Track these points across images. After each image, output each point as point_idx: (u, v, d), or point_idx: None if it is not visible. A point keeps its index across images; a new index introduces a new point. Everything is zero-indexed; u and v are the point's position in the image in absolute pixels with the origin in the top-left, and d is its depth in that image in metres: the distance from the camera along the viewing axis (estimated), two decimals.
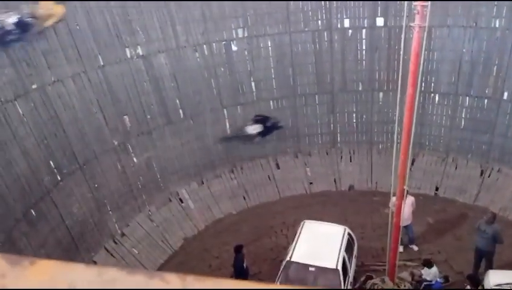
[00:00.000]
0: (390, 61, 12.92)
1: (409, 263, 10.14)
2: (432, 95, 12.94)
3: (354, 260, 9.52)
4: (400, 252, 9.52)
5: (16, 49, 8.52)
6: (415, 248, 10.71)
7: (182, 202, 12.33)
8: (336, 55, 13.08)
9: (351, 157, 13.84)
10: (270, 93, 13.31)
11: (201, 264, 10.68)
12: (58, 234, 9.20)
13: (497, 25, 11.59)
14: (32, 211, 8.63)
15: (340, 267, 8.51)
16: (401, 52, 8.85)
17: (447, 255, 10.44)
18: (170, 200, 12.16)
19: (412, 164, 12.55)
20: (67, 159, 9.62)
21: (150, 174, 11.76)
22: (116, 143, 10.84)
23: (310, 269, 8.50)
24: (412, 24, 7.25)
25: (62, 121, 9.46)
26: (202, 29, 11.95)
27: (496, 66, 11.94)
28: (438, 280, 9.20)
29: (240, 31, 12.49)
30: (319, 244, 9.12)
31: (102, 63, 10.34)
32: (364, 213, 12.01)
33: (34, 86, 8.92)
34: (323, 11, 12.72)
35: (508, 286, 8.16)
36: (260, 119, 12.72)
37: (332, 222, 10.02)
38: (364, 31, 12.92)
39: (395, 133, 10.63)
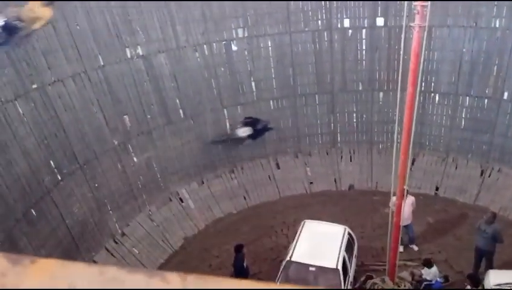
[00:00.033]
0: (390, 61, 12.93)
1: (409, 263, 10.14)
2: (432, 94, 12.94)
3: (354, 260, 9.52)
4: (400, 252, 9.52)
5: (16, 49, 8.52)
6: (415, 247, 10.71)
7: (182, 201, 12.33)
8: (336, 55, 13.09)
9: (351, 157, 13.85)
10: (270, 93, 13.31)
11: (201, 263, 10.68)
12: (58, 233, 9.21)
13: (497, 25, 11.59)
14: (32, 211, 8.63)
15: (340, 267, 8.50)
16: (401, 52, 8.86)
17: (447, 254, 10.44)
18: (170, 200, 12.17)
19: (412, 163, 12.55)
20: (67, 159, 9.62)
21: (150, 174, 11.77)
22: (116, 143, 10.85)
23: (310, 268, 8.50)
24: (412, 24, 7.26)
25: (62, 121, 9.46)
26: (202, 29, 11.95)
27: (496, 66, 11.95)
28: (438, 279, 9.20)
29: (240, 31, 12.50)
30: (319, 244, 9.12)
31: (102, 63, 10.34)
32: (365, 213, 12.01)
33: (34, 86, 8.92)
34: (323, 11, 12.72)
35: (508, 285, 8.16)
36: (250, 122, 12.62)
37: (332, 222, 10.03)
38: (364, 31, 12.92)
39: (395, 132, 10.63)
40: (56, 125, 9.34)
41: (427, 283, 9.21)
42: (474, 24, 11.75)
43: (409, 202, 9.84)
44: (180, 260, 10.98)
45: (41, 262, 0.73)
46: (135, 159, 11.36)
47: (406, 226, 10.12)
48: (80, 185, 9.88)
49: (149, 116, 11.51)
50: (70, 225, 9.53)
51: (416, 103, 7.46)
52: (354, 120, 13.85)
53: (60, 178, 9.42)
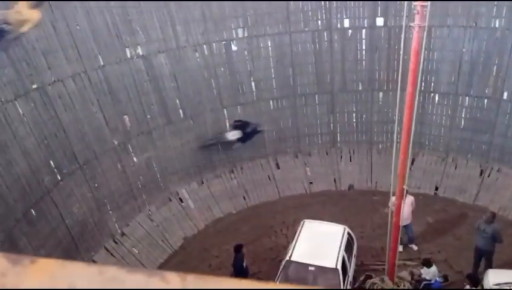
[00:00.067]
0: (390, 61, 12.93)
1: (408, 263, 10.15)
2: (432, 94, 12.94)
3: (353, 260, 9.52)
4: (400, 252, 9.53)
5: (16, 49, 8.52)
6: (415, 247, 10.72)
7: (182, 201, 12.33)
8: (336, 55, 13.09)
9: (350, 157, 13.85)
10: (270, 93, 13.31)
11: (201, 263, 10.68)
12: (58, 233, 9.20)
13: (497, 25, 11.59)
14: (32, 211, 8.63)
15: (339, 267, 8.51)
16: (401, 52, 8.86)
17: (447, 254, 10.45)
18: (170, 200, 12.17)
19: (412, 163, 12.56)
20: (67, 159, 9.62)
21: (150, 174, 11.77)
22: (116, 143, 10.85)
23: (310, 268, 8.50)
24: (411, 24, 7.26)
25: (62, 121, 9.46)
26: (202, 29, 11.95)
27: (495, 66, 11.95)
28: (438, 279, 9.21)
29: (240, 31, 12.50)
30: (319, 243, 9.12)
31: (102, 63, 10.34)
32: (364, 213, 12.02)
33: (34, 86, 8.91)
34: (323, 11, 12.72)
35: (508, 285, 8.16)
36: (239, 125, 12.54)
37: (332, 222, 10.03)
38: (364, 31, 12.93)
39: (395, 132, 10.65)
40: (56, 125, 9.34)
41: (427, 282, 9.22)
42: (474, 24, 11.75)
43: (409, 201, 9.85)
44: (180, 260, 10.98)
45: (41, 262, 0.74)
46: (135, 159, 11.36)
47: (405, 226, 10.12)
48: (79, 185, 9.88)
49: (149, 116, 11.51)
50: (70, 225, 9.53)
51: (416, 103, 7.46)
52: (354, 120, 13.85)
53: (59, 178, 9.42)
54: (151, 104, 11.54)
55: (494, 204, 11.83)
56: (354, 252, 9.73)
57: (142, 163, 11.52)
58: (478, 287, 8.53)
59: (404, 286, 9.38)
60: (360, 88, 13.52)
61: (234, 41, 12.56)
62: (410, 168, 10.49)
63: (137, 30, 10.95)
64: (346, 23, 12.85)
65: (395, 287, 9.30)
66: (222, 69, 12.59)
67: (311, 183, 13.49)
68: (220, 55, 12.44)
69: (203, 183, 12.78)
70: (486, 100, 12.26)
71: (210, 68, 12.35)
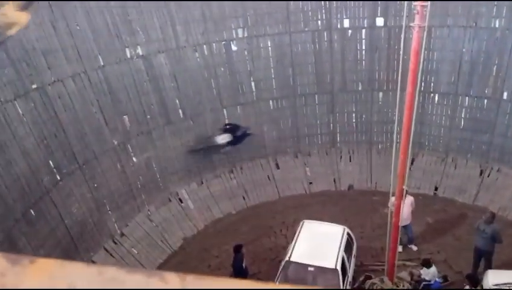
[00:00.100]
0: (390, 61, 12.93)
1: (408, 263, 10.15)
2: (432, 94, 12.95)
3: (353, 260, 9.52)
4: (399, 252, 9.53)
5: (16, 49, 8.52)
6: (414, 247, 10.72)
7: (181, 202, 12.33)
8: (336, 55, 13.09)
9: (350, 157, 13.85)
10: (270, 93, 13.31)
11: (200, 264, 10.68)
12: (57, 234, 9.20)
13: (497, 25, 11.60)
14: (31, 211, 8.62)
15: (339, 267, 8.51)
16: (401, 52, 8.86)
17: (446, 255, 10.45)
18: (170, 200, 12.16)
19: (412, 163, 12.56)
20: (66, 159, 9.61)
21: (150, 174, 11.76)
22: (116, 143, 10.84)
23: (309, 268, 8.50)
24: (411, 24, 7.26)
25: (62, 121, 9.45)
26: (202, 29, 11.95)
27: (495, 66, 11.95)
28: (437, 279, 9.21)
29: (240, 31, 12.50)
30: (318, 244, 9.12)
31: (102, 63, 10.34)
32: (364, 213, 12.02)
33: (34, 86, 8.91)
34: (323, 11, 12.73)
35: (507, 285, 8.16)
36: (229, 128, 12.44)
37: (331, 222, 10.03)
38: (364, 31, 12.93)
39: (395, 133, 10.65)
40: (56, 125, 9.34)
41: (426, 283, 9.22)
42: (474, 24, 11.75)
43: (408, 202, 9.85)
44: (179, 261, 10.97)
45: (40, 262, 0.74)
46: (135, 159, 11.36)
47: (405, 226, 10.12)
48: (79, 185, 9.87)
49: (149, 117, 11.51)
50: (69, 225, 9.52)
51: (416, 103, 7.46)
52: (354, 120, 13.85)
53: (59, 178, 9.41)
54: (151, 104, 11.54)
55: (494, 204, 11.83)
56: (354, 252, 9.73)
57: (142, 163, 11.51)
58: (478, 288, 8.53)
59: (403, 286, 9.38)
60: (360, 88, 13.53)
61: (234, 41, 12.56)
62: (409, 169, 10.48)
63: (137, 30, 10.95)
64: (346, 23, 12.85)
65: (395, 288, 9.30)
66: (222, 69, 12.59)
67: (310, 183, 13.49)
68: (220, 55, 12.44)
69: (202, 183, 12.78)
70: (486, 100, 12.26)
71: (210, 68, 12.35)
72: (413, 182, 12.28)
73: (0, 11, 7.18)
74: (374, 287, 9.35)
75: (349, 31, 12.96)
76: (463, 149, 12.92)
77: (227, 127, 12.50)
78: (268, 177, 13.43)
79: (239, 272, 9.21)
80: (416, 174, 12.86)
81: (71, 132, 9.68)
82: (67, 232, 9.46)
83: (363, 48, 13.13)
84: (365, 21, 12.78)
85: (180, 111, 12.20)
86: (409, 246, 10.71)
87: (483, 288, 8.47)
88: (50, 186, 9.14)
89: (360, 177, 13.52)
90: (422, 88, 11.99)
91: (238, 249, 9.36)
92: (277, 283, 8.17)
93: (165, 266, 10.79)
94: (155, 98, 11.59)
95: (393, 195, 8.59)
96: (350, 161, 13.82)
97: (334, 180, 13.54)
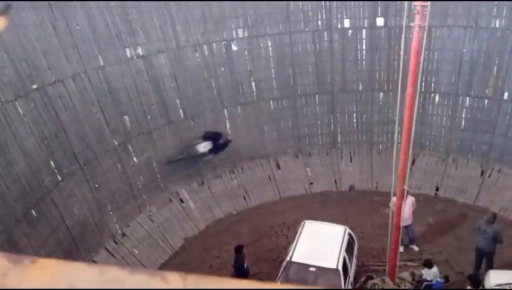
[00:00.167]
0: (390, 62, 12.93)
1: (409, 263, 10.14)
2: (432, 95, 12.94)
3: (354, 260, 9.52)
4: (400, 252, 9.52)
5: (16, 49, 8.53)
6: (416, 248, 10.71)
7: (182, 202, 12.33)
8: (336, 55, 13.09)
9: (351, 157, 13.85)
10: (270, 93, 13.31)
11: (201, 264, 10.68)
12: (58, 234, 9.20)
13: (497, 25, 11.59)
14: (32, 211, 8.63)
15: (340, 268, 8.50)
16: (401, 52, 8.87)
17: (448, 255, 10.44)
18: (171, 201, 12.17)
19: (412, 164, 12.55)
20: (67, 160, 9.62)
21: (151, 174, 11.77)
22: (116, 143, 10.85)
23: (310, 269, 8.50)
24: (411, 24, 7.25)
25: (62, 122, 9.46)
26: (202, 29, 11.95)
27: (496, 66, 11.95)
28: (439, 280, 9.20)
29: (240, 31, 12.50)
30: (320, 244, 9.12)
31: (102, 63, 10.35)
32: (365, 213, 12.01)
33: (34, 86, 8.92)
34: (323, 11, 12.73)
35: (508, 286, 8.16)
36: (210, 136, 12.19)
37: (332, 222, 10.02)
38: (364, 31, 12.93)
39: (396, 133, 10.62)
40: (56, 125, 9.34)
41: (428, 283, 9.21)
42: (474, 24, 11.75)
43: (409, 202, 9.84)
44: (181, 261, 10.97)
45: (41, 262, 0.73)
46: (135, 159, 11.37)
47: (406, 227, 10.11)
48: (80, 185, 9.88)
49: (149, 117, 11.51)
50: (71, 225, 9.52)
51: (416, 103, 7.45)
52: (354, 120, 13.85)
53: (60, 178, 9.42)
54: (152, 104, 11.55)
55: (495, 204, 11.82)
56: (355, 252, 9.72)
57: (143, 163, 11.52)
58: (479, 288, 8.52)
59: (405, 286, 9.38)
60: (361, 88, 13.52)
61: (234, 42, 12.57)
62: (410, 169, 10.47)
63: (137, 30, 10.96)
64: (346, 23, 12.85)
65: (396, 288, 9.30)
66: (222, 69, 12.60)
67: (311, 183, 13.49)
68: (220, 55, 12.44)
69: (203, 183, 12.78)
70: (486, 100, 12.26)
71: (210, 68, 12.35)
72: (414, 183, 12.27)
73: None
74: (376, 288, 9.34)
75: (350, 31, 12.96)
76: (464, 149, 12.91)
77: (208, 135, 12.21)
78: (269, 178, 13.43)
79: (240, 273, 9.22)
80: (417, 174, 12.85)
81: (72, 132, 9.68)
82: (69, 233, 9.46)
83: (364, 48, 13.13)
84: (365, 21, 12.78)
85: (181, 111, 12.21)
86: (410, 246, 10.70)
87: (485, 288, 8.46)
88: (51, 187, 9.15)
89: (361, 177, 13.52)
90: (422, 88, 12.00)
91: (239, 249, 9.37)
92: (278, 283, 8.17)
93: (166, 266, 10.79)
94: (155, 98, 11.60)
95: (394, 195, 8.59)
96: (351, 161, 13.82)
97: (335, 181, 13.54)
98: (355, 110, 13.74)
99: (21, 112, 8.61)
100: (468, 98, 12.51)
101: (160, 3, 11.12)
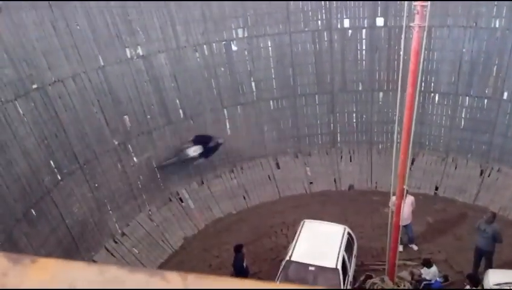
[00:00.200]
0: (390, 61, 12.93)
1: (408, 263, 10.14)
2: (432, 94, 12.94)
3: (353, 260, 9.52)
4: (400, 252, 9.52)
5: (16, 49, 8.53)
6: (415, 247, 10.72)
7: (182, 201, 12.33)
8: (336, 55, 13.09)
9: (351, 157, 13.85)
10: (270, 93, 13.31)
11: (201, 263, 10.68)
12: (58, 233, 9.21)
13: (497, 25, 11.59)
14: (32, 211, 8.63)
15: (339, 267, 8.51)
16: (401, 52, 8.87)
17: (447, 254, 10.45)
18: (170, 200, 12.17)
19: (412, 163, 12.56)
20: (67, 159, 9.62)
21: (150, 174, 11.76)
22: (116, 143, 10.85)
23: (310, 268, 8.50)
24: (411, 24, 7.25)
25: (62, 121, 9.46)
26: (202, 29, 11.95)
27: (495, 66, 11.95)
28: (438, 279, 9.21)
29: (240, 31, 12.50)
30: (319, 243, 9.12)
31: (102, 63, 10.35)
32: (364, 213, 12.01)
33: (34, 86, 8.92)
34: (323, 11, 12.73)
35: (508, 285, 8.16)
36: (200, 140, 11.98)
37: (332, 222, 10.03)
38: (364, 31, 12.92)
39: (395, 132, 10.64)
40: (56, 125, 9.34)
41: (427, 282, 9.22)
42: (474, 24, 11.75)
43: (409, 201, 9.85)
44: (180, 260, 10.98)
45: (41, 262, 0.74)
46: (135, 159, 11.37)
47: (405, 226, 10.12)
48: (79, 185, 9.88)
49: (149, 117, 11.51)
50: (70, 224, 9.53)
51: (416, 103, 7.45)
52: (354, 120, 13.85)
53: (60, 178, 9.42)
54: (151, 104, 11.55)
55: (494, 204, 11.83)
56: (354, 252, 9.72)
57: (142, 163, 11.52)
58: (478, 287, 8.52)
59: (404, 286, 9.38)
60: (360, 88, 13.52)
61: (234, 42, 12.56)
62: (410, 168, 10.48)
63: (137, 30, 10.95)
64: (346, 23, 12.85)
65: (395, 287, 9.30)
66: (222, 69, 12.59)
67: (311, 183, 13.49)
68: (220, 55, 12.44)
69: (203, 183, 12.78)
70: (486, 100, 12.26)
71: (210, 68, 12.35)
72: (413, 182, 12.28)
73: None
74: (375, 287, 9.35)
75: (349, 31, 12.96)
76: (463, 149, 12.92)
77: (198, 138, 12.04)
78: (269, 177, 13.43)
79: (240, 272, 9.22)
80: (417, 174, 12.86)
81: (72, 132, 9.68)
82: (68, 232, 9.47)
83: (363, 48, 13.13)
84: (365, 21, 12.78)
85: (181, 111, 12.21)
86: (410, 245, 10.71)
87: (484, 288, 8.46)
88: (51, 186, 9.15)
89: (361, 177, 13.52)
90: (422, 88, 11.99)
91: (238, 248, 9.37)
92: (278, 282, 8.16)
93: (166, 265, 10.80)
94: (155, 98, 11.60)
95: (393, 195, 8.60)
96: (350, 161, 13.82)
97: (335, 180, 13.54)
98: (355, 110, 13.74)
99: (21, 111, 8.60)
100: (467, 98, 12.52)
101: (160, 3, 11.11)
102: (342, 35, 12.97)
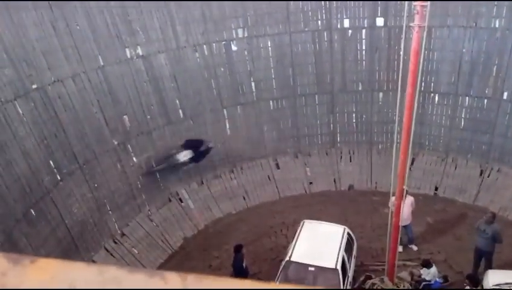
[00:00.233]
0: (390, 62, 12.94)
1: (408, 263, 10.14)
2: (432, 95, 12.95)
3: (353, 260, 9.52)
4: (399, 252, 9.53)
5: (16, 49, 8.52)
6: (415, 247, 10.72)
7: (181, 202, 12.33)
8: (336, 56, 13.10)
9: (350, 157, 13.86)
10: (270, 93, 13.31)
11: (201, 264, 10.68)
12: (58, 234, 9.20)
13: (497, 25, 11.60)
14: (32, 211, 8.63)
15: (339, 267, 8.50)
16: (401, 52, 8.87)
17: (447, 255, 10.45)
18: (170, 200, 12.17)
19: (412, 163, 12.56)
20: (67, 159, 9.62)
21: (150, 174, 11.75)
22: (116, 143, 10.85)
23: (310, 268, 8.50)
24: (411, 24, 7.26)
25: (62, 121, 9.46)
26: (202, 30, 11.95)
27: (495, 66, 11.95)
28: (437, 279, 9.21)
29: (240, 31, 12.50)
30: (319, 244, 9.12)
31: (102, 64, 10.35)
32: (364, 213, 12.02)
33: (34, 86, 8.91)
34: (323, 11, 12.73)
35: (507, 285, 8.16)
36: (190, 144, 11.86)
37: (332, 222, 10.03)
38: (364, 31, 12.93)
39: (395, 133, 10.65)
40: (56, 125, 9.34)
41: (426, 283, 9.22)
42: (474, 24, 11.75)
43: (408, 202, 9.85)
44: (180, 260, 10.98)
45: (41, 262, 0.74)
46: (135, 159, 11.36)
47: (405, 227, 10.12)
48: (79, 185, 9.88)
49: (149, 117, 11.51)
50: (70, 225, 9.52)
51: (416, 103, 7.45)
52: (354, 120, 13.86)
53: (59, 178, 9.42)
54: (151, 104, 11.55)
55: (494, 204, 11.84)
56: (354, 252, 9.73)
57: (142, 163, 11.52)
58: (478, 288, 8.52)
59: (404, 286, 9.38)
60: (360, 88, 13.53)
61: (234, 42, 12.57)
62: (410, 169, 10.49)
63: (137, 30, 10.95)
64: (346, 23, 12.85)
65: (395, 288, 9.30)
66: (222, 69, 12.60)
67: (311, 183, 13.50)
68: (220, 55, 12.44)
69: (202, 183, 12.78)
70: (486, 100, 12.27)
71: (210, 68, 12.35)
72: (413, 182, 12.28)
73: None
74: (374, 287, 9.35)
75: (349, 31, 12.96)
76: (463, 149, 12.92)
77: (189, 143, 11.92)
78: (269, 178, 13.43)
79: (239, 272, 9.21)
80: (417, 174, 12.86)
81: (71, 132, 9.68)
82: (68, 232, 9.46)
83: (363, 48, 13.13)
84: (365, 21, 12.78)
85: (180, 111, 12.21)
86: (409, 246, 10.71)
87: (484, 288, 8.46)
88: (50, 187, 9.15)
89: (360, 177, 13.52)
90: (422, 88, 12.00)
91: (238, 249, 9.37)
92: (277, 282, 8.16)
93: (166, 265, 10.79)
94: (155, 98, 11.60)
95: (393, 195, 8.59)
96: (350, 161, 13.83)
97: (334, 181, 13.54)
98: (354, 110, 13.74)
99: (21, 111, 8.60)
100: (467, 98, 12.52)
101: (160, 3, 11.12)
102: (342, 35, 12.97)
